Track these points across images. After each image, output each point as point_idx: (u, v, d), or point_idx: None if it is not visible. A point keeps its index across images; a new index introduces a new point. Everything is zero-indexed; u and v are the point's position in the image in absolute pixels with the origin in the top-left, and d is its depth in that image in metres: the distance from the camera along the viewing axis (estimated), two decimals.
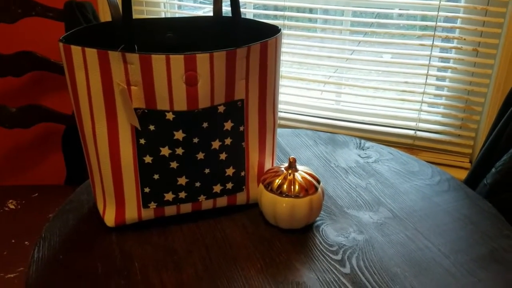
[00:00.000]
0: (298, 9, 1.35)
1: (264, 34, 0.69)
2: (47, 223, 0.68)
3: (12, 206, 1.15)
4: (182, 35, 0.72)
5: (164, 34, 0.71)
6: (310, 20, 1.37)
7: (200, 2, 1.43)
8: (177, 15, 1.44)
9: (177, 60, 0.56)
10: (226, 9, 1.31)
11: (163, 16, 1.45)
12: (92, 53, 0.56)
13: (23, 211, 1.13)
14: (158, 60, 0.55)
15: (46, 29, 1.42)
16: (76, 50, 0.56)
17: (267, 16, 1.38)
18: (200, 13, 1.41)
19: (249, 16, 1.38)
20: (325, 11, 1.32)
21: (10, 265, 0.95)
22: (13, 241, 1.01)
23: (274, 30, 0.68)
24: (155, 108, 0.58)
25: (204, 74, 0.58)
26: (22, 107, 1.24)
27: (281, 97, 1.43)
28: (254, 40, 0.65)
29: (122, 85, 0.57)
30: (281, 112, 1.44)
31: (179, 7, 1.43)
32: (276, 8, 1.34)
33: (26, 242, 1.01)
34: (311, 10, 1.37)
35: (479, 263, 0.61)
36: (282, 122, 1.43)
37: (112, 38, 0.68)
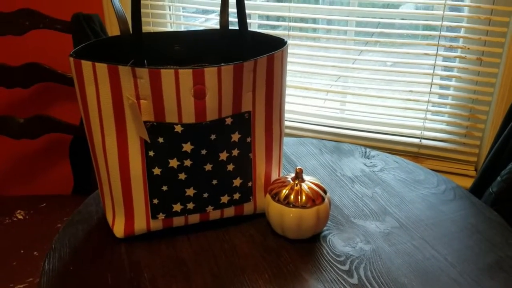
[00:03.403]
0: (303, 20, 1.36)
1: (270, 46, 0.70)
2: (56, 234, 0.69)
3: (20, 217, 1.16)
4: (190, 47, 0.73)
5: (171, 47, 0.72)
6: (314, 30, 1.39)
7: (194, 12, 1.46)
8: (182, 27, 1.45)
9: (186, 74, 0.57)
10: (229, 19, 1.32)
11: (169, 27, 1.47)
12: (102, 68, 0.57)
13: (31, 221, 1.14)
14: (167, 75, 0.56)
15: (54, 41, 1.44)
16: (86, 65, 0.57)
17: (272, 26, 1.39)
18: (196, 23, 1.43)
19: (254, 26, 1.39)
20: (329, 21, 1.33)
21: (19, 276, 0.96)
22: (22, 251, 1.02)
23: (280, 42, 0.69)
24: (163, 121, 0.59)
25: (212, 88, 0.59)
26: (30, 118, 1.25)
27: (286, 106, 1.44)
28: (260, 53, 0.66)
29: (132, 99, 0.58)
30: (286, 120, 1.44)
31: (184, 17, 1.45)
32: (279, 18, 1.35)
33: (35, 253, 1.02)
34: (315, 20, 1.38)
35: (486, 272, 0.61)
36: (287, 130, 1.43)
37: (121, 52, 0.69)
